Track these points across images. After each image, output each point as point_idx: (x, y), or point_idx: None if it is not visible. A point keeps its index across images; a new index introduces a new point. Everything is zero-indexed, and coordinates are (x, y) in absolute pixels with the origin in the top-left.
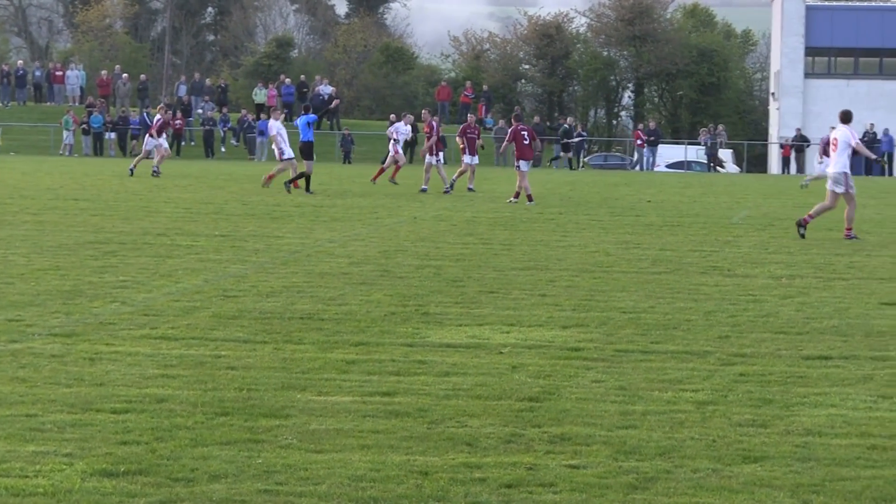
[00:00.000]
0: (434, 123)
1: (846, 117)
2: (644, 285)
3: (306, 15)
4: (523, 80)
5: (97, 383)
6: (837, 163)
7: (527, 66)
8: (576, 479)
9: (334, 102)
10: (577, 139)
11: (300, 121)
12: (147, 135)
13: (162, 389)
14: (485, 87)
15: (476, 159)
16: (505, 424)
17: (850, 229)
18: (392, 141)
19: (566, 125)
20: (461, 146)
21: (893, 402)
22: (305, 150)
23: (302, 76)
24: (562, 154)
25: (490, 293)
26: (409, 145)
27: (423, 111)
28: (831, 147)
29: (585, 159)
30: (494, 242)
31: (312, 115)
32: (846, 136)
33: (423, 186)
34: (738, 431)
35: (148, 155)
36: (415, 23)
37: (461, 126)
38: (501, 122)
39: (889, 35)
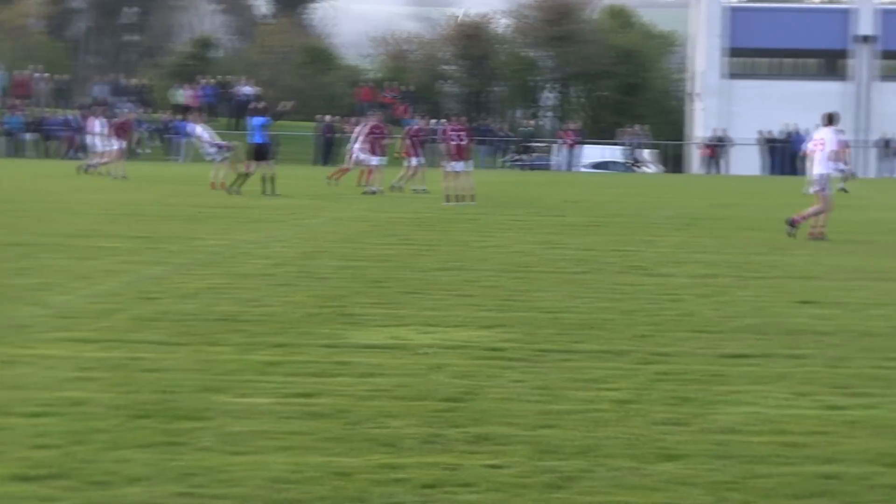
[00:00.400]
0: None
1: (831, 119)
2: (565, 285)
3: (229, 15)
4: (449, 81)
5: (13, 387)
6: (821, 164)
7: (449, 67)
8: (495, 479)
9: (290, 105)
10: (536, 142)
11: (252, 122)
12: (114, 137)
13: (79, 392)
14: (406, 88)
15: (421, 161)
16: (425, 425)
17: (798, 221)
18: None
19: (531, 128)
20: (404, 149)
21: (810, 400)
22: (258, 152)
23: (223, 76)
24: (521, 155)
25: (411, 294)
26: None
27: (371, 113)
28: (817, 148)
29: (504, 159)
30: (416, 243)
31: (266, 118)
32: (831, 139)
33: (378, 188)
34: (657, 430)
35: (117, 156)
36: (339, 22)
37: (410, 128)
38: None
39: (808, 36)
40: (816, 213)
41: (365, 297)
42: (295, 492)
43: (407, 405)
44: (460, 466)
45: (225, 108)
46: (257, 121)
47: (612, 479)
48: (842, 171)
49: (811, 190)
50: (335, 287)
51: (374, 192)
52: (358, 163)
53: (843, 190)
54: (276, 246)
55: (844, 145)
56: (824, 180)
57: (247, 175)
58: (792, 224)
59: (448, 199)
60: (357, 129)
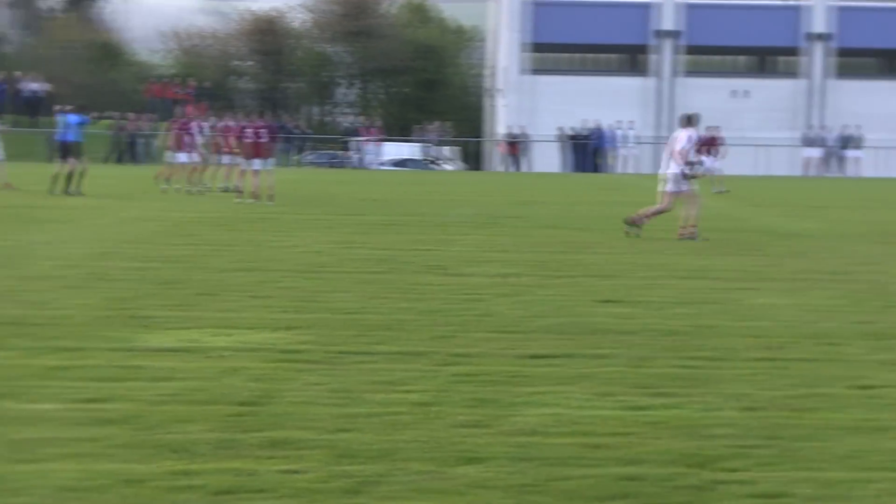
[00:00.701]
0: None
1: (687, 121)
2: (363, 285)
3: (15, 9)
4: (244, 77)
5: None
6: (671, 164)
7: (244, 62)
8: (291, 485)
9: (91, 114)
10: (362, 139)
11: (67, 119)
12: None
13: None
14: (197, 84)
15: (235, 159)
16: (220, 430)
17: (687, 227)
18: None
19: (352, 124)
20: (229, 146)
21: (612, 400)
22: (67, 150)
23: (9, 72)
24: (349, 152)
25: (205, 295)
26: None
27: (180, 110)
28: (673, 148)
29: (298, 157)
30: (212, 243)
31: (84, 117)
32: (680, 140)
33: (178, 186)
34: (457, 432)
35: None
36: (128, 17)
37: (223, 125)
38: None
39: (610, 31)
40: (690, 214)
41: (157, 299)
42: (84, 500)
43: (201, 410)
44: (256, 472)
45: (10, 105)
46: (73, 118)
47: (411, 483)
48: (706, 169)
49: (667, 188)
50: (127, 289)
51: (181, 191)
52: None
53: (722, 191)
54: (66, 247)
55: (710, 142)
56: (678, 179)
57: (81, 173)
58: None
59: (240, 195)
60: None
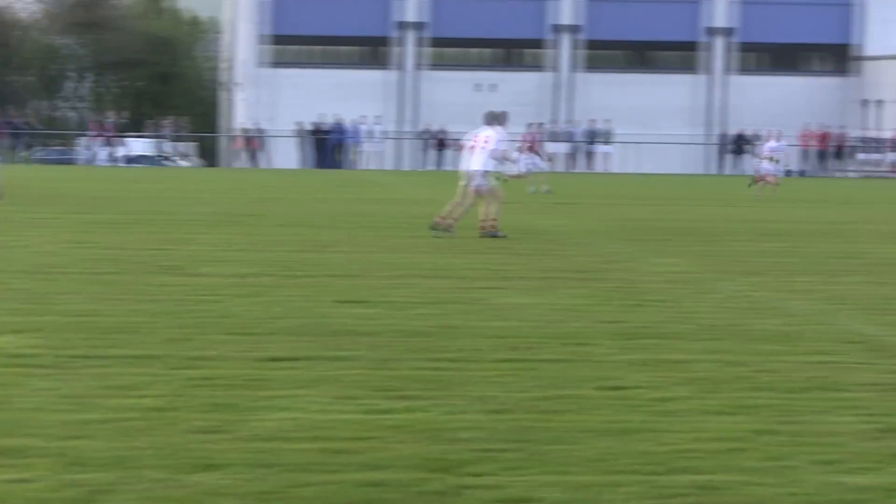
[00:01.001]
0: None
1: (496, 119)
2: (94, 286)
3: None
4: None
5: None
6: (478, 161)
7: None
8: (20, 495)
9: None
10: (93, 135)
11: None
12: None
13: None
14: None
15: None
16: None
17: (493, 226)
18: None
19: (83, 119)
20: None
21: (354, 404)
22: None
23: None
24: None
25: None
26: None
27: None
28: (476, 146)
29: (27, 153)
30: None
31: None
32: (491, 139)
33: None
34: (193, 438)
35: None
36: None
37: None
38: None
39: (352, 23)
40: (490, 210)
41: None
42: None
43: None
44: None
45: None
46: None
47: (144, 492)
48: (534, 167)
49: (472, 185)
50: None
51: None
52: None
53: (549, 191)
54: None
55: (531, 140)
56: (481, 176)
57: None
58: (438, 227)
59: None
60: None
